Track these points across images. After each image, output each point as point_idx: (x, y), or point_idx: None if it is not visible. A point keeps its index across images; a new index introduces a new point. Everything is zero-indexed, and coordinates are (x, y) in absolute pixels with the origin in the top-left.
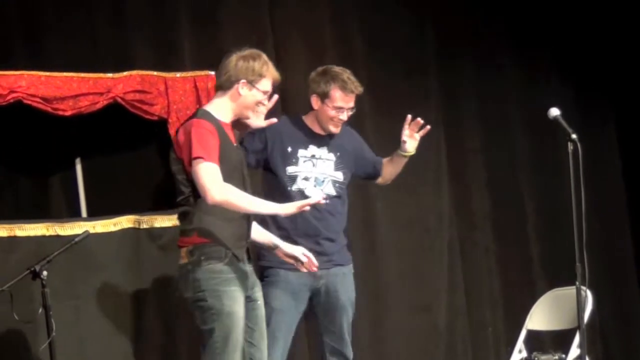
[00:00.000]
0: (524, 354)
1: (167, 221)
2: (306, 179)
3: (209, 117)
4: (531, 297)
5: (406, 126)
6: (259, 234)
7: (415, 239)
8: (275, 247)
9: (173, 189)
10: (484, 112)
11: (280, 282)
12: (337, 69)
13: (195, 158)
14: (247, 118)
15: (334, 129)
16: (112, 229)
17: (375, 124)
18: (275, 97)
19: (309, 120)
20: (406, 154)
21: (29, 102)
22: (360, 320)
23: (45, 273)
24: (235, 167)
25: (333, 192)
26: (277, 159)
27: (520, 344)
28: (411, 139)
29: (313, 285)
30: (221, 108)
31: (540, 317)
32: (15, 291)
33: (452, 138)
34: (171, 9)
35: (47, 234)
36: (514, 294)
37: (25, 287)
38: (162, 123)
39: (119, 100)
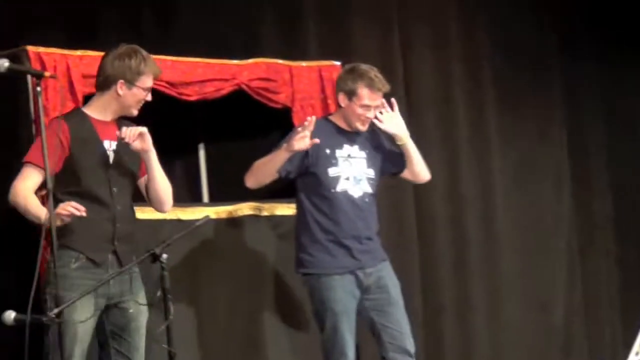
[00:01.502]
0: None
1: (287, 209)
2: (347, 179)
3: (70, 115)
4: None
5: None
6: None
7: (535, 237)
8: None
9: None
10: (606, 111)
11: (337, 286)
12: (364, 66)
13: (24, 162)
14: (132, 115)
15: (361, 127)
16: (233, 215)
17: (498, 118)
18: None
19: (336, 119)
20: (400, 142)
21: (154, 86)
22: (476, 316)
23: (165, 256)
24: (98, 164)
25: (370, 190)
26: (318, 163)
27: (637, 345)
28: (387, 120)
29: (364, 284)
30: (100, 108)
31: None
32: None
33: (574, 137)
34: None
35: (168, 217)
36: (633, 296)
37: (145, 269)
38: (286, 112)
39: (244, 87)
